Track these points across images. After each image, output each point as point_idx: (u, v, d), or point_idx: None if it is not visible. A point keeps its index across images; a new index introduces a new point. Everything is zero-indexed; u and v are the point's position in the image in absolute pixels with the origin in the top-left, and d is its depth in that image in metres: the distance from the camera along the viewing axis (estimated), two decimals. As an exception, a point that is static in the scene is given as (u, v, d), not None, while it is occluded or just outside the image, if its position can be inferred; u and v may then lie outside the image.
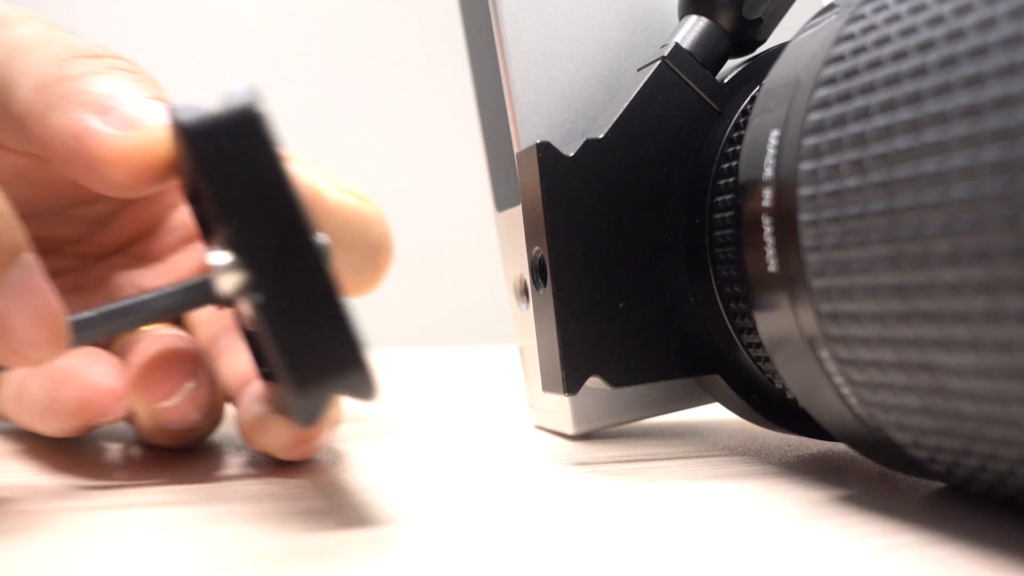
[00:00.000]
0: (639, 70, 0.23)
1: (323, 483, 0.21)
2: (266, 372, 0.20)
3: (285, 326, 0.15)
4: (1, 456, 0.23)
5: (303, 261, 0.15)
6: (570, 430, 0.27)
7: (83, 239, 0.28)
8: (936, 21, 0.13)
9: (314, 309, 0.15)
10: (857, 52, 0.15)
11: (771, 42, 0.24)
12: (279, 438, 0.20)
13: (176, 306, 0.17)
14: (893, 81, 0.14)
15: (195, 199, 0.19)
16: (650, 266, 0.22)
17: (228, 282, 0.15)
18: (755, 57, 0.23)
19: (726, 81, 0.23)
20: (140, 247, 0.28)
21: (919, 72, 0.13)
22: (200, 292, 0.17)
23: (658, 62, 0.22)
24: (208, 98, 0.16)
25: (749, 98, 0.22)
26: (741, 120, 0.22)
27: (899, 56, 0.14)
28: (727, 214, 0.20)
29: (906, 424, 0.15)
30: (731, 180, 0.21)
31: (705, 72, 0.23)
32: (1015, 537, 0.15)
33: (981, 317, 0.12)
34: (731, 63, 0.24)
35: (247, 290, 0.15)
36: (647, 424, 0.31)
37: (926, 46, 0.13)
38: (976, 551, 0.15)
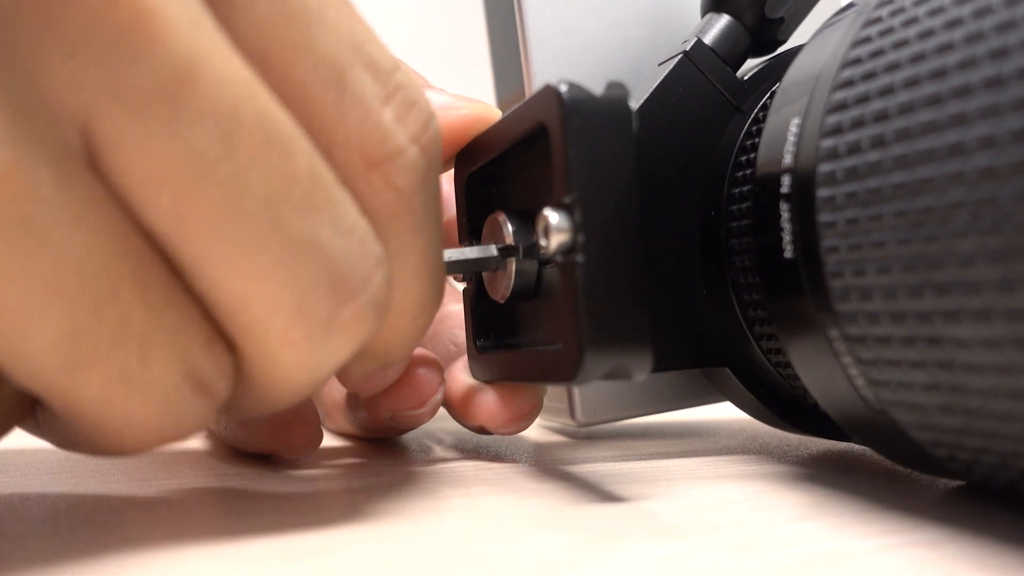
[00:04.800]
0: (660, 64, 0.24)
1: (317, 479, 0.21)
2: (484, 346, 0.23)
3: (595, 288, 0.16)
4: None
5: (627, 241, 0.17)
6: (576, 421, 0.27)
7: None
8: (963, 0, 0.14)
9: (623, 284, 0.17)
10: (884, 33, 0.15)
11: (790, 44, 0.24)
12: (496, 412, 0.22)
13: (486, 265, 0.20)
14: (919, 58, 0.14)
15: (475, 183, 0.22)
16: (663, 258, 0.23)
17: (557, 239, 0.17)
18: (775, 57, 0.24)
19: (746, 79, 0.23)
20: None
21: (945, 48, 0.14)
22: (500, 257, 0.20)
23: (679, 56, 0.23)
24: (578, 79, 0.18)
25: (769, 94, 0.22)
26: (760, 114, 0.22)
27: (926, 35, 0.14)
28: (744, 204, 0.21)
29: (911, 403, 0.15)
30: (749, 172, 0.21)
31: (726, 68, 0.23)
32: (1017, 537, 0.15)
33: (993, 286, 0.12)
34: (750, 63, 0.24)
35: (569, 250, 0.17)
36: (647, 423, 0.31)
37: (954, 23, 0.14)
38: (978, 551, 0.15)
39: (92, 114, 0.13)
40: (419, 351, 0.23)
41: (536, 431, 0.29)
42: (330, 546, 0.15)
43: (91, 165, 0.13)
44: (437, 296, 0.18)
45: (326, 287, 0.15)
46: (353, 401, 0.23)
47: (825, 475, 0.21)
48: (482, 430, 0.23)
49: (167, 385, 0.14)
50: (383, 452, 0.25)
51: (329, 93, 0.15)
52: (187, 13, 0.13)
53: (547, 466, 0.22)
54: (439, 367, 0.23)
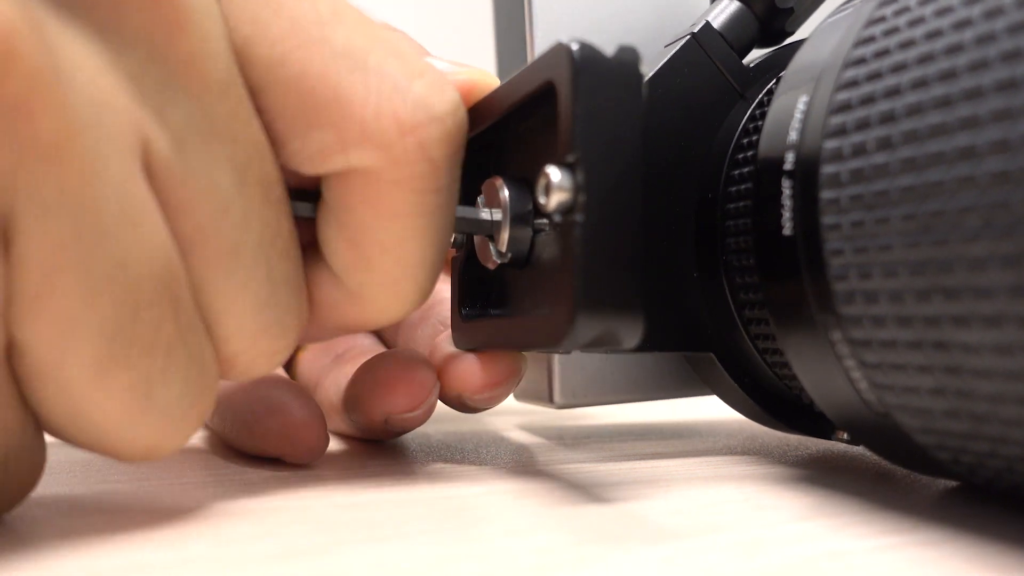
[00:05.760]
0: (666, 46, 0.23)
1: (316, 479, 0.21)
2: (469, 314, 0.22)
3: (591, 249, 0.16)
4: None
5: (627, 205, 0.16)
6: (554, 403, 0.26)
7: None
8: (972, 0, 0.13)
9: (620, 248, 0.16)
10: (889, 33, 0.15)
11: (799, 36, 0.24)
12: (472, 377, 0.22)
13: (479, 229, 0.19)
14: (927, 59, 0.14)
15: (472, 149, 0.21)
16: (656, 239, 0.22)
17: (556, 197, 0.16)
18: (780, 48, 0.23)
19: (751, 66, 0.23)
20: None
21: (955, 49, 0.13)
22: (496, 220, 0.19)
23: (687, 37, 0.22)
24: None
25: (774, 81, 0.22)
26: (765, 99, 0.22)
27: (934, 35, 0.14)
28: (743, 186, 0.20)
29: (917, 407, 0.15)
30: (750, 153, 0.21)
31: (732, 54, 0.23)
32: (1016, 536, 0.15)
33: (1005, 291, 0.12)
34: (755, 53, 0.24)
35: (568, 210, 0.16)
36: (645, 423, 0.31)
37: (963, 24, 0.13)
38: (977, 551, 0.15)
39: (147, 130, 0.15)
40: (413, 353, 0.23)
41: (530, 434, 0.29)
42: (330, 546, 0.15)
43: (147, 174, 0.15)
44: (436, 276, 0.19)
45: (278, 323, 0.17)
46: (348, 403, 0.23)
47: (824, 476, 0.21)
48: (460, 402, 0.23)
49: (179, 399, 0.15)
50: (382, 453, 0.25)
51: (355, 75, 0.16)
52: (222, 66, 0.15)
53: (546, 467, 0.22)
54: (433, 369, 0.23)
